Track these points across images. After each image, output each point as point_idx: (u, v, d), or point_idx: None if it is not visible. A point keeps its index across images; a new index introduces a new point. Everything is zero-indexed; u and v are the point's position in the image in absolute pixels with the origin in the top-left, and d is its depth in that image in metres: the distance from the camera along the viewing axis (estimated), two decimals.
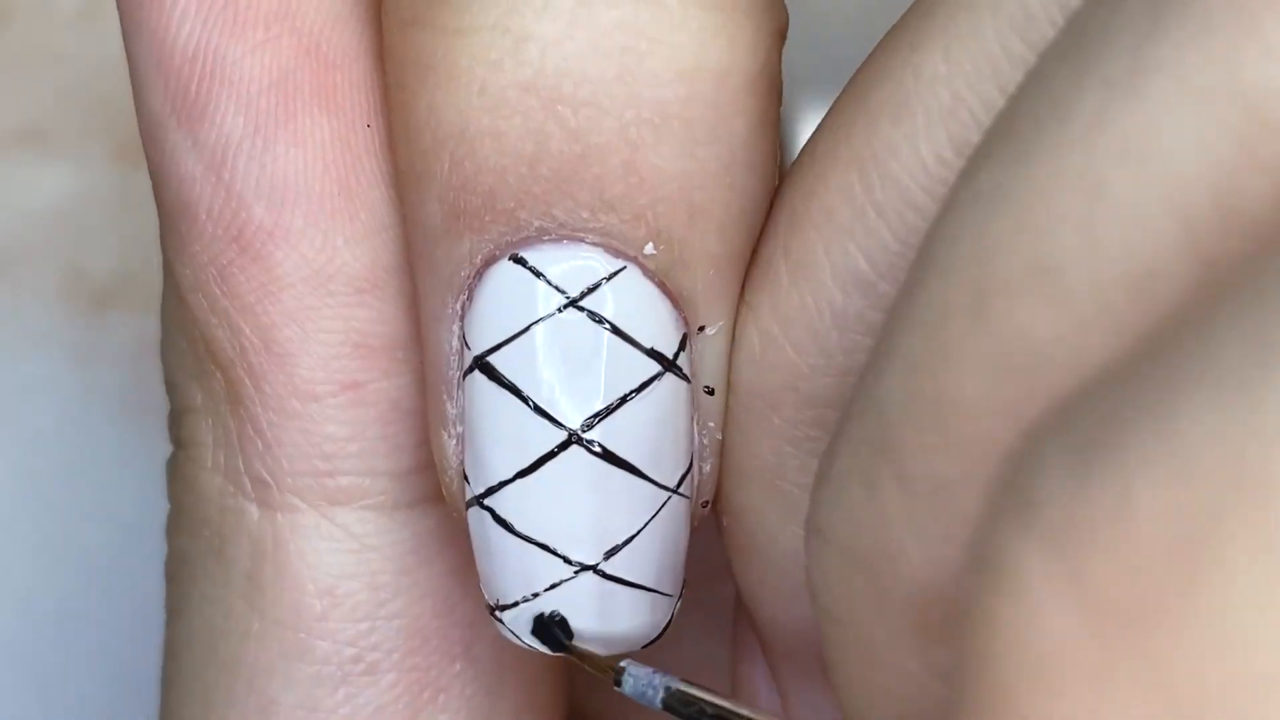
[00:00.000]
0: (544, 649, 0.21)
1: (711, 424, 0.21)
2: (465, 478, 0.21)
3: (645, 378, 0.21)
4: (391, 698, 0.23)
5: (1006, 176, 0.15)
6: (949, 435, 0.16)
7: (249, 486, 0.22)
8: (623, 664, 0.21)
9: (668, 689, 0.20)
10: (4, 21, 0.37)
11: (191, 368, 0.23)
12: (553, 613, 0.21)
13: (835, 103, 0.20)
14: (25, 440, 0.36)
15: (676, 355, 0.21)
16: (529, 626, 0.21)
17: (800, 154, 0.20)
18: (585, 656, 0.21)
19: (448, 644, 0.23)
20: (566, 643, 0.21)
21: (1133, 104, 0.15)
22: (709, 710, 0.20)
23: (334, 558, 0.22)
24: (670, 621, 0.21)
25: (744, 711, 0.20)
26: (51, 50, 0.37)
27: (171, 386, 0.23)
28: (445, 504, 0.22)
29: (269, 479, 0.22)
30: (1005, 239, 0.15)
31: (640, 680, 0.20)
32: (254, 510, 0.22)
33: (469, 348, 0.21)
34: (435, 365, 0.21)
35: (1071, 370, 0.15)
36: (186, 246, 0.22)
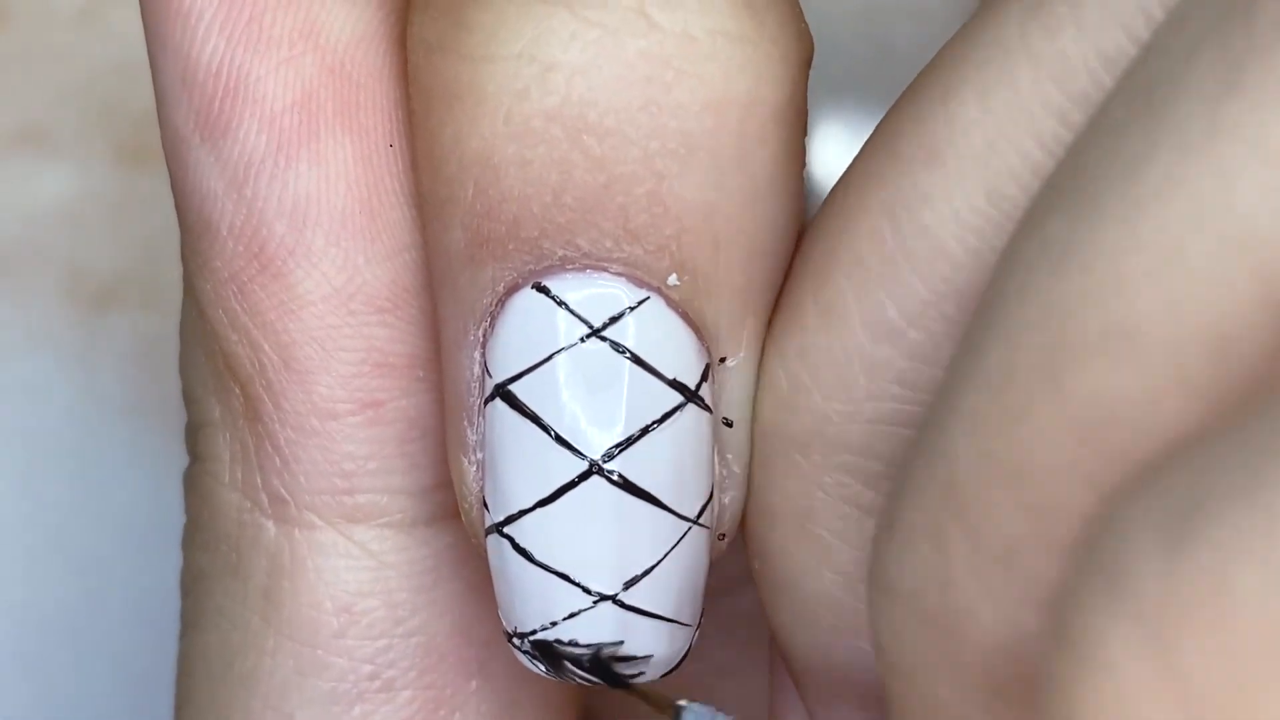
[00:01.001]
0: (596, 682, 0.21)
1: (730, 456, 0.21)
2: (485, 504, 0.21)
3: (667, 408, 0.20)
4: (407, 715, 0.23)
5: (1076, 235, 0.15)
6: (1021, 497, 0.15)
7: (266, 503, 0.22)
8: (681, 702, 0.21)
9: None
10: (4, 21, 0.36)
11: (210, 382, 0.23)
12: (609, 649, 0.21)
13: (864, 147, 0.20)
14: (25, 440, 0.36)
15: (699, 386, 0.21)
16: (569, 660, 0.21)
17: (829, 197, 0.20)
18: (643, 693, 0.21)
19: (464, 662, 0.23)
20: (626, 680, 0.21)
21: (1209, 165, 0.15)
22: None
23: (351, 575, 0.22)
24: (688, 652, 0.21)
25: None
26: (51, 50, 0.36)
27: (190, 400, 0.23)
28: (463, 522, 0.22)
29: (287, 496, 0.22)
30: (1078, 300, 0.15)
31: (701, 717, 0.20)
32: (271, 527, 0.22)
33: (490, 375, 0.21)
34: (456, 391, 0.21)
35: (1147, 433, 0.15)
36: (208, 262, 0.22)
